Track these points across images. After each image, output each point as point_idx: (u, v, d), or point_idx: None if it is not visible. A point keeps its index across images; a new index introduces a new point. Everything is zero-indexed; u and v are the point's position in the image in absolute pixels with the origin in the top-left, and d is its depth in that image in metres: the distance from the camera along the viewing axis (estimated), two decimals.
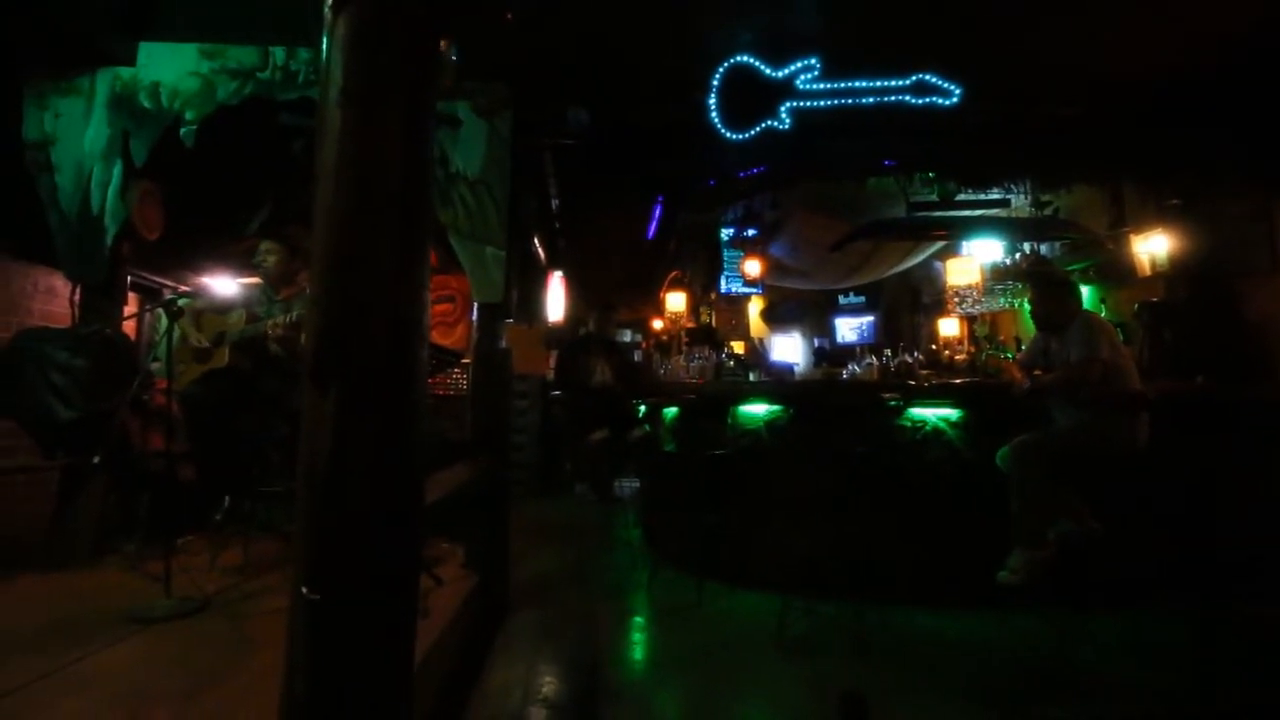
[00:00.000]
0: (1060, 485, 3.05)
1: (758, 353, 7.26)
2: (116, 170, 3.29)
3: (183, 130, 3.23)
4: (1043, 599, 3.11)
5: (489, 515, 3.26)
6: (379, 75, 1.35)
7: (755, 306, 8.68)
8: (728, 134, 4.28)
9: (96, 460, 2.95)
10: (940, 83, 4.36)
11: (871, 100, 4.33)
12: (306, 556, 1.16)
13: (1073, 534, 3.05)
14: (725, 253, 6.74)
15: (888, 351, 4.73)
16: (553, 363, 6.68)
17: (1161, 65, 4.17)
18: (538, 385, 7.19)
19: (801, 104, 4.29)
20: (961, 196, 5.34)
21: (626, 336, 10.80)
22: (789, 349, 9.66)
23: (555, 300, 7.63)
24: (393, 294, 1.29)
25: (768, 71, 4.26)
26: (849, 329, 9.76)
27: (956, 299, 5.88)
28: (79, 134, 3.23)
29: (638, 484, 5.54)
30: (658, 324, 9.28)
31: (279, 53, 3.32)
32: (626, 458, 4.97)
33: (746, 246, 6.46)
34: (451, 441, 3.82)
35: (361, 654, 1.16)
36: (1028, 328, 4.28)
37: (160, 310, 2.77)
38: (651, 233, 6.65)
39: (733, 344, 7.20)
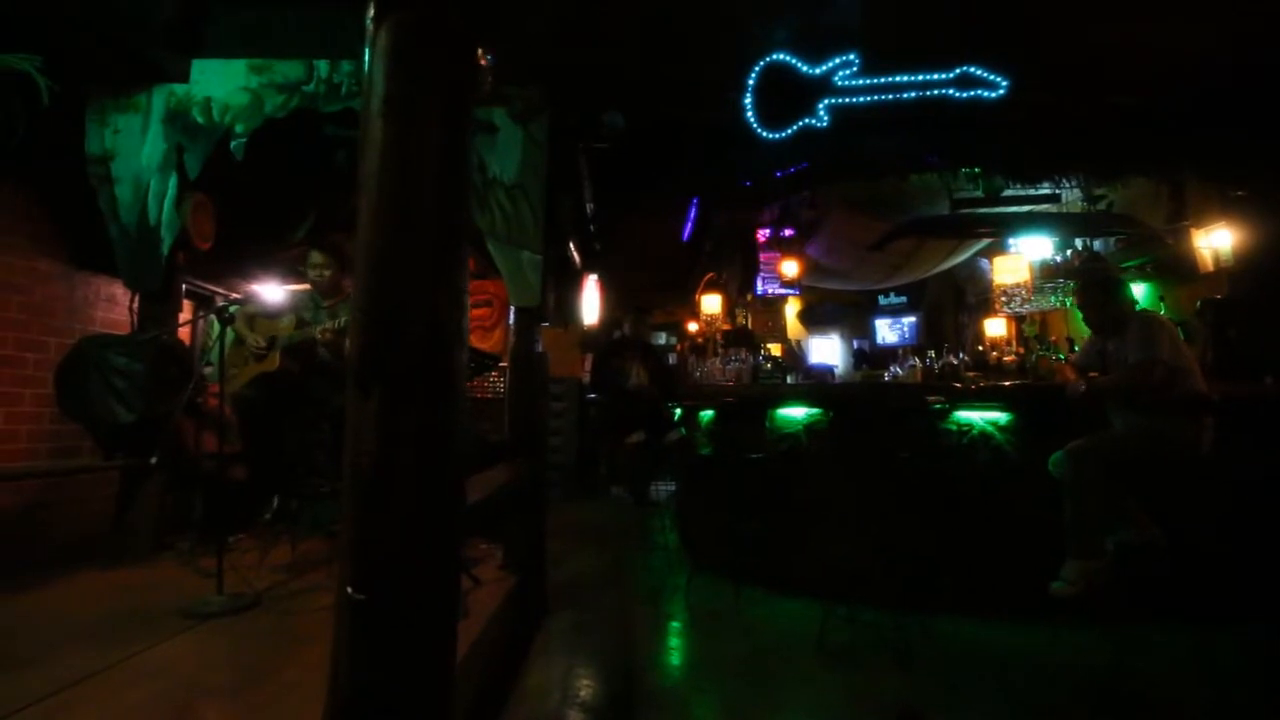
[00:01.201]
0: (1118, 492, 2.91)
1: (795, 355, 7.16)
2: (172, 183, 3.42)
3: (233, 143, 3.33)
4: (1099, 612, 2.97)
5: (527, 517, 3.28)
6: (419, 84, 1.37)
7: (792, 308, 8.58)
8: (764, 133, 4.23)
9: (154, 461, 3.08)
10: (986, 75, 4.23)
11: (913, 95, 4.23)
12: (352, 556, 1.18)
13: (1132, 544, 2.91)
14: (761, 254, 6.66)
15: (931, 353, 4.60)
16: (588, 366, 6.72)
17: (1225, 49, 3.96)
18: (574, 388, 7.23)
19: (840, 101, 4.21)
20: (1008, 192, 5.16)
21: (661, 339, 10.78)
22: (827, 351, 9.50)
23: (590, 303, 7.67)
24: (432, 298, 1.31)
25: (805, 69, 4.20)
26: (890, 330, 9.54)
27: (1004, 298, 5.69)
28: (137, 148, 3.37)
29: (673, 487, 5.52)
30: (693, 326, 9.24)
31: (323, 65, 3.39)
32: (662, 461, 4.95)
33: (783, 247, 6.38)
34: (490, 444, 3.86)
35: (405, 652, 1.18)
36: (1081, 328, 4.10)
37: (213, 316, 2.87)
38: (687, 234, 6.62)
39: (769, 346, 7.12)
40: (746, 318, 7.89)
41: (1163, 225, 5.13)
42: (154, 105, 3.38)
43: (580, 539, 4.89)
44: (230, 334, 2.86)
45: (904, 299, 9.23)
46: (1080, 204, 5.35)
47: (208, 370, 3.61)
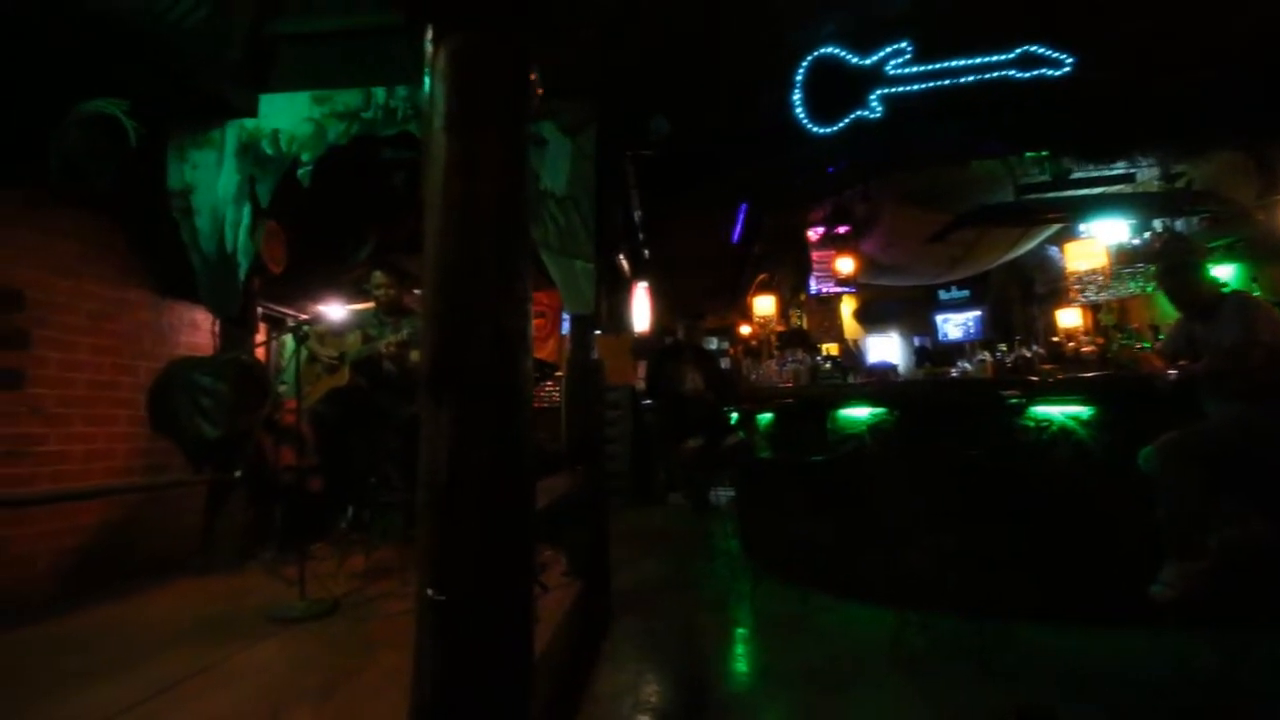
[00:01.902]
0: (1218, 487, 2.69)
1: (853, 354, 6.97)
2: (246, 212, 3.61)
3: (300, 171, 3.49)
4: (1203, 616, 2.75)
5: (589, 523, 3.29)
6: (478, 101, 1.42)
7: (848, 307, 8.36)
8: (814, 128, 4.15)
9: (237, 474, 3.25)
10: (1049, 53, 4.03)
11: (971, 79, 4.07)
12: (430, 559, 1.21)
13: (1237, 541, 2.68)
14: (814, 252, 6.52)
15: (1002, 346, 4.39)
16: (641, 372, 6.72)
17: None
18: (628, 395, 7.25)
19: (893, 90, 4.10)
20: (1077, 174, 4.89)
21: (713, 344, 10.70)
22: (886, 349, 9.21)
23: (640, 310, 7.69)
24: (499, 307, 1.34)
25: (854, 60, 4.10)
26: (952, 325, 9.19)
27: (1078, 286, 5.39)
28: (213, 181, 3.58)
29: (733, 492, 5.44)
30: (745, 329, 9.13)
31: (379, 93, 3.52)
32: (721, 466, 4.89)
33: (837, 244, 6.22)
34: (548, 452, 3.90)
35: (483, 652, 1.20)
36: (1165, 314, 3.84)
37: (287, 336, 3.02)
38: (736, 237, 6.56)
39: (826, 346, 6.97)
40: (801, 318, 7.74)
41: (1252, 201, 4.76)
42: (227, 140, 3.58)
43: (641, 546, 4.88)
44: (304, 352, 3.00)
45: (966, 293, 8.88)
46: (1157, 183, 5.03)
47: (282, 388, 3.78)
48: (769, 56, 4.10)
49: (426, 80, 1.46)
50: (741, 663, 3.05)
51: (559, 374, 6.14)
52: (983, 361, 4.26)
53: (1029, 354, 4.18)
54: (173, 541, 3.65)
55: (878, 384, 4.39)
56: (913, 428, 3.59)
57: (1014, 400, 3.40)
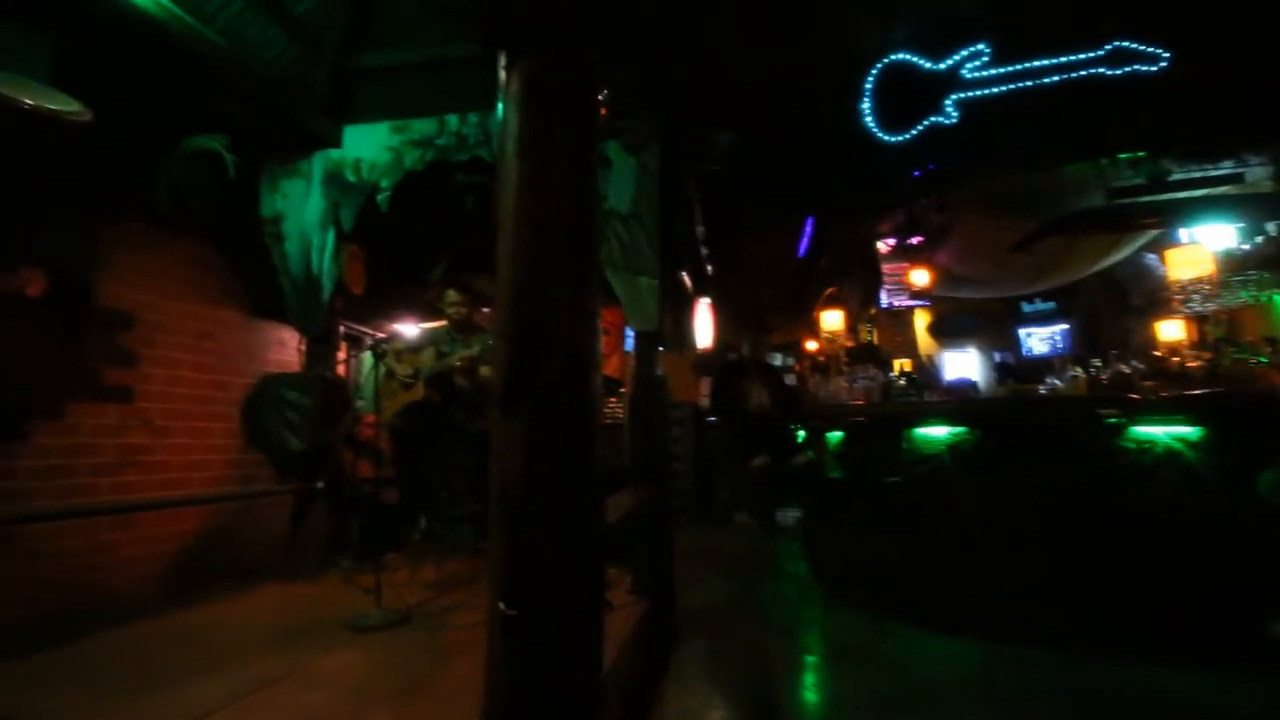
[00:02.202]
0: None
1: (928, 370, 6.66)
2: (330, 237, 3.82)
3: (379, 197, 3.67)
4: None
5: (654, 541, 3.25)
6: (549, 124, 1.46)
7: (922, 321, 8.01)
8: (885, 137, 4.03)
9: (320, 485, 3.40)
10: (1143, 48, 3.77)
11: (1056, 79, 3.85)
12: (500, 573, 1.22)
13: None
14: (885, 265, 6.30)
15: (1096, 361, 4.09)
16: (705, 389, 6.65)
17: None
18: (690, 412, 7.18)
19: (970, 94, 3.93)
20: (1176, 175, 4.53)
21: (778, 360, 10.48)
22: (964, 365, 8.75)
23: (704, 327, 7.63)
24: (570, 324, 1.36)
25: (928, 66, 3.97)
26: (1037, 340, 8.63)
27: (1181, 296, 4.96)
28: (301, 209, 3.80)
29: (800, 513, 5.27)
30: (812, 344, 8.90)
31: (453, 120, 3.66)
32: (788, 485, 4.75)
33: (911, 256, 5.98)
34: (611, 468, 3.90)
35: (554, 668, 1.21)
36: None
37: (366, 353, 3.15)
38: (802, 250, 6.42)
39: (898, 362, 6.69)
40: (871, 333, 7.48)
41: None
42: (314, 170, 3.80)
43: (706, 566, 4.79)
44: (382, 368, 3.12)
45: (1052, 305, 8.32)
46: (1269, 182, 4.59)
47: (361, 403, 3.95)
48: (837, 66, 4.02)
49: (500, 106, 1.50)
50: (812, 691, 2.92)
51: (622, 390, 6.16)
52: (1075, 378, 3.98)
53: (1127, 370, 3.87)
54: (261, 548, 3.86)
55: (958, 401, 4.16)
56: (998, 448, 3.38)
57: (1112, 420, 3.15)
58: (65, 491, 2.98)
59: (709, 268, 6.49)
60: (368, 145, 3.73)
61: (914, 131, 4.04)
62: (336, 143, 3.75)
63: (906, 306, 6.60)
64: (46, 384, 2.97)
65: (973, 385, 4.95)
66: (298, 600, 3.05)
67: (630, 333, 7.31)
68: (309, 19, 3.56)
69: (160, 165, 3.24)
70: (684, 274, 5.64)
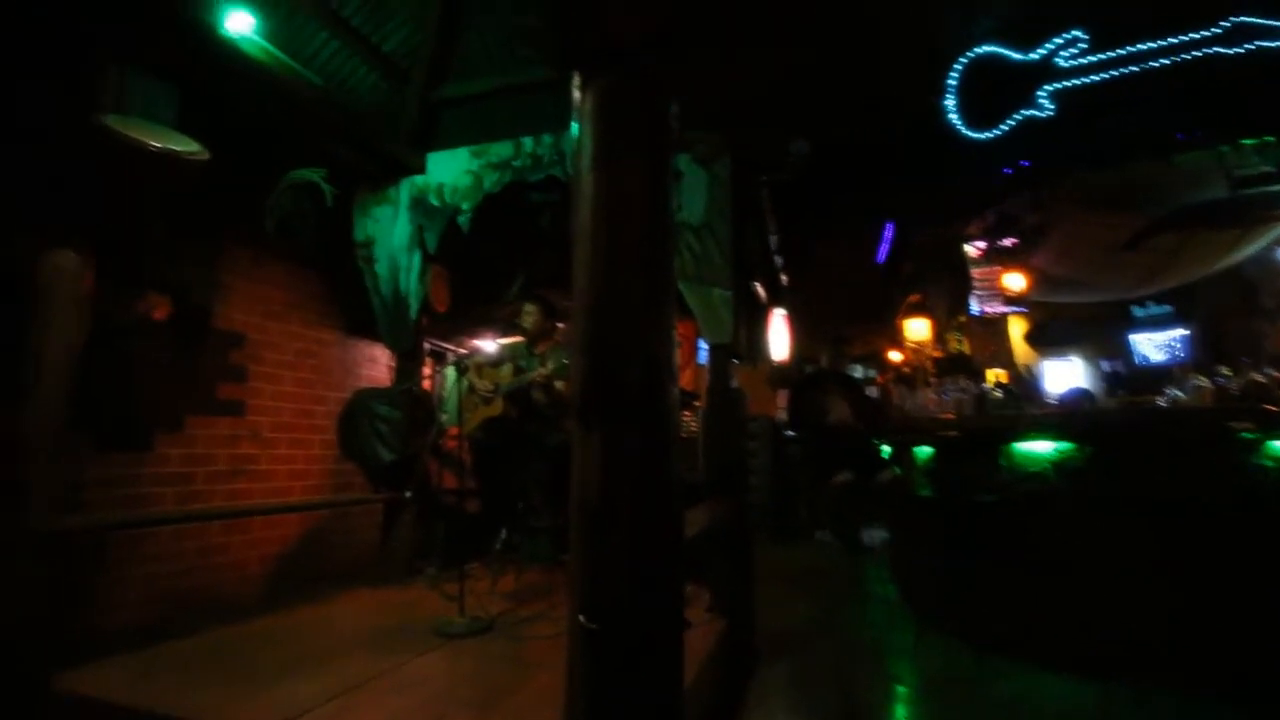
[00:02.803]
0: None
1: (1026, 381, 6.21)
2: (416, 258, 4.01)
3: (460, 219, 3.82)
4: None
5: (733, 558, 3.17)
6: (623, 140, 1.48)
7: (1018, 328, 7.50)
8: (971, 134, 3.81)
9: (408, 495, 3.55)
10: (1267, 23, 3.40)
11: (1165, 61, 3.53)
12: (582, 586, 1.21)
13: None
14: (975, 269, 5.93)
15: (1225, 370, 3.67)
16: (781, 402, 6.49)
17: None
18: (766, 426, 7.02)
19: (1067, 84, 3.66)
20: None
21: (857, 372, 10.10)
22: (1067, 375, 8.11)
23: (778, 339, 7.47)
24: (646, 336, 1.36)
25: (1018, 57, 3.73)
26: (1151, 346, 7.89)
27: None
28: (390, 233, 4.01)
29: (887, 532, 5.02)
30: (896, 355, 8.51)
31: (528, 142, 3.77)
32: (873, 503, 4.52)
33: (1004, 259, 5.60)
34: (686, 483, 3.85)
35: (635, 682, 1.19)
36: None
37: (449, 368, 3.28)
38: (882, 256, 6.17)
39: (992, 373, 6.27)
40: (961, 342, 7.06)
41: None
42: (401, 195, 4.00)
43: (786, 586, 4.63)
44: (464, 383, 3.23)
45: (1168, 308, 7.59)
46: None
47: (444, 417, 4.11)
48: (918, 63, 3.85)
49: (574, 125, 1.53)
50: None
51: (696, 404, 6.10)
52: (1199, 388, 3.59)
53: (1262, 379, 3.45)
54: (353, 554, 4.08)
55: (1065, 414, 3.84)
56: (1111, 465, 3.09)
57: (1246, 435, 2.81)
58: (183, 498, 3.26)
59: (783, 278, 6.36)
60: (449, 170, 3.90)
61: (1004, 127, 3.79)
62: (421, 169, 3.95)
63: (1000, 313, 6.18)
64: (170, 399, 3.26)
65: (1087, 396, 4.54)
66: (387, 605, 3.17)
67: (704, 345, 7.26)
68: (396, 56, 3.79)
69: (266, 197, 3.51)
70: (758, 285, 5.55)
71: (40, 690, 2.06)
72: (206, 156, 2.65)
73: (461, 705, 1.98)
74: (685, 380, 6.92)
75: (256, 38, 2.82)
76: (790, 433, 5.23)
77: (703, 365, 7.10)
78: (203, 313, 3.45)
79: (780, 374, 7.29)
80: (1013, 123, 3.77)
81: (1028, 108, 3.76)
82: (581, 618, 1.16)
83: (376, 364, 4.63)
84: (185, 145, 2.59)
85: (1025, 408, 4.19)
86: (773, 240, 5.77)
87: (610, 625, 1.16)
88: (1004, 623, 3.19)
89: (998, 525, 3.22)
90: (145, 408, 3.13)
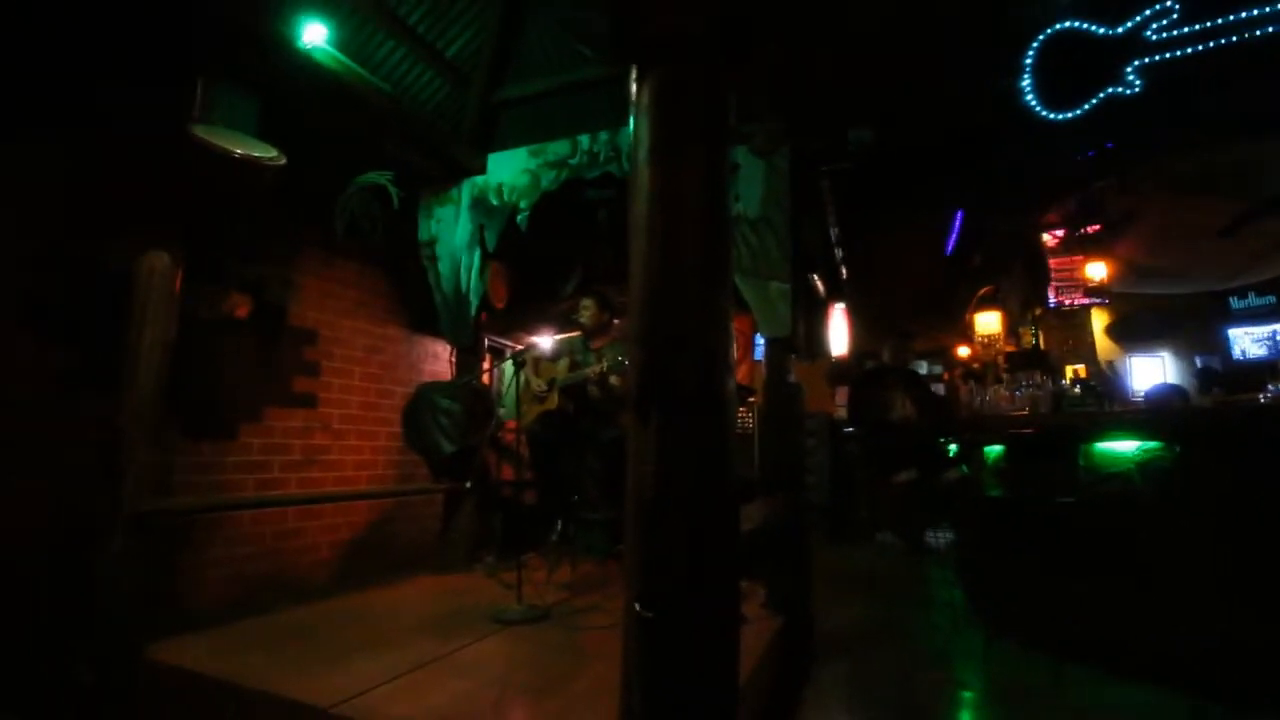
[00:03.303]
0: None
1: (1107, 378, 5.83)
2: (476, 256, 4.11)
3: (519, 218, 3.90)
4: None
5: (789, 555, 3.12)
6: (678, 131, 1.48)
7: (1099, 321, 7.04)
8: (1051, 115, 3.59)
9: (468, 485, 3.66)
10: None
11: (1269, 30, 3.22)
12: (637, 575, 1.21)
13: None
14: (1053, 259, 5.59)
15: None
16: (840, 399, 6.32)
17: None
18: (825, 423, 6.87)
19: (1156, 58, 3.40)
20: None
21: (922, 369, 9.74)
22: (1154, 371, 7.57)
23: (837, 334, 7.28)
24: (703, 328, 1.36)
25: (1102, 31, 3.49)
26: (1250, 341, 7.27)
27: None
28: (452, 232, 4.13)
29: (953, 534, 4.81)
30: (964, 351, 8.15)
31: (584, 139, 3.80)
32: (939, 503, 4.34)
33: (1085, 247, 5.25)
34: (741, 480, 3.80)
35: (690, 670, 1.19)
36: None
37: (507, 363, 3.35)
38: (951, 248, 5.90)
39: (1070, 368, 5.91)
40: (1037, 336, 6.68)
41: None
42: (463, 196, 4.11)
43: (845, 586, 4.52)
44: (522, 377, 3.30)
45: (1271, 299, 6.99)
46: None
47: (502, 410, 4.20)
48: (990, 42, 3.66)
49: (631, 119, 1.54)
50: None
51: (751, 400, 6.02)
52: None
53: None
54: (416, 542, 4.24)
55: (1151, 412, 3.58)
56: (1203, 466, 2.86)
57: None
58: (263, 484, 3.46)
59: (843, 270, 6.19)
60: (508, 170, 3.97)
61: (1087, 107, 3.55)
62: (481, 170, 4.04)
63: (1080, 305, 5.81)
64: (251, 392, 3.47)
65: (1178, 392, 4.22)
66: (448, 591, 3.28)
67: (760, 341, 7.15)
68: (459, 60, 3.90)
69: (336, 200, 3.68)
70: (816, 278, 5.42)
71: (135, 658, 2.23)
72: (283, 162, 2.80)
73: (519, 690, 2.03)
74: (741, 375, 6.84)
75: (329, 48, 2.95)
76: (849, 429, 5.07)
77: (759, 361, 7.01)
78: (279, 310, 3.65)
79: (839, 370, 7.11)
80: (1096, 102, 3.52)
81: (1113, 86, 3.50)
82: (637, 606, 1.16)
83: (439, 359, 4.78)
84: (264, 151, 2.74)
85: (1107, 405, 3.93)
86: (833, 232, 5.62)
87: (665, 614, 1.16)
88: (1082, 630, 3.01)
89: (1076, 528, 3.03)
90: (230, 399, 3.34)
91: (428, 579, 3.54)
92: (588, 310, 3.96)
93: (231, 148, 2.61)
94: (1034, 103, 3.64)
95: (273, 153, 2.77)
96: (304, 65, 2.88)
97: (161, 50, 2.64)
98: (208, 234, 2.99)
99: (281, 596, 3.17)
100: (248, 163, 2.66)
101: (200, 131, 2.57)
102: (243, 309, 3.37)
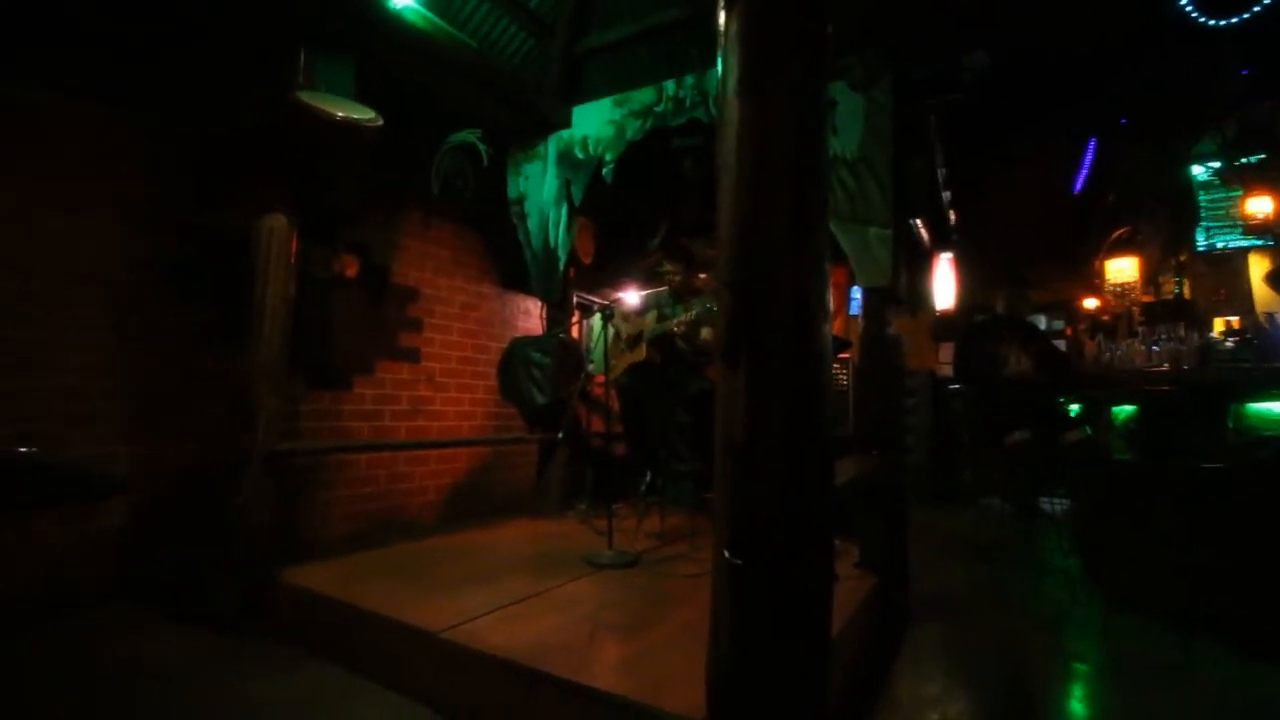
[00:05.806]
0: None
1: (1266, 331, 5.09)
2: (563, 212, 4.13)
3: (604, 170, 3.85)
4: None
5: (885, 514, 3.00)
6: (771, 61, 1.39)
7: (1258, 268, 6.13)
8: (1207, 21, 3.07)
9: (560, 436, 3.78)
10: None
11: None
12: (727, 522, 1.20)
13: None
14: (1204, 196, 4.86)
15: None
16: (944, 356, 5.94)
17: None
18: (926, 381, 6.49)
19: None
20: None
21: (1041, 323, 8.94)
22: None
23: (943, 285, 6.78)
24: (794, 269, 1.28)
25: None
26: None
27: None
28: (539, 188, 4.16)
29: (1069, 500, 4.44)
30: (1091, 302, 7.36)
31: (669, 85, 3.68)
32: (1056, 466, 3.99)
33: (1246, 180, 4.50)
34: (833, 435, 3.68)
35: (780, 616, 1.18)
36: None
37: (596, 317, 3.38)
38: (1080, 184, 5.27)
39: (1220, 320, 5.20)
40: (1181, 284, 5.89)
41: None
42: (549, 151, 4.12)
43: (945, 549, 4.32)
44: (610, 331, 3.32)
45: None
46: None
47: (591, 365, 4.28)
48: None
49: (720, 56, 1.46)
50: (1082, 704, 2.46)
51: (845, 355, 5.77)
52: None
53: None
54: (513, 488, 4.47)
55: None
56: None
57: None
58: (376, 432, 3.74)
59: (951, 216, 5.72)
60: (593, 122, 3.93)
61: (1251, 12, 3.01)
62: (567, 124, 4.02)
63: (1236, 249, 5.05)
64: (363, 346, 3.72)
65: None
66: (543, 534, 3.44)
67: (856, 294, 6.80)
68: (541, 11, 3.85)
69: (431, 160, 3.79)
70: (920, 224, 5.04)
71: (271, 581, 2.51)
72: (381, 123, 2.90)
73: (610, 628, 2.10)
74: (836, 329, 6.56)
75: (418, 6, 2.99)
76: (954, 387, 4.74)
77: (855, 316, 6.69)
78: (384, 270, 3.85)
79: (945, 324, 6.67)
80: (1261, 7, 2.97)
81: None
82: (726, 553, 1.15)
83: (530, 316, 4.92)
84: (363, 113, 2.85)
85: (1265, 361, 3.43)
86: (940, 174, 5.18)
87: (755, 562, 1.14)
88: (1220, 603, 2.71)
89: (1222, 495, 2.71)
90: (344, 354, 3.60)
91: (524, 523, 3.73)
92: (674, 274, 3.91)
93: (334, 110, 2.73)
94: (1188, 6, 3.11)
95: (370, 114, 2.88)
96: (395, 25, 2.95)
97: (267, 23, 2.78)
98: (316, 197, 3.18)
99: (394, 533, 3.46)
100: (349, 125, 2.78)
101: (304, 97, 2.70)
102: (351, 269, 3.58)
